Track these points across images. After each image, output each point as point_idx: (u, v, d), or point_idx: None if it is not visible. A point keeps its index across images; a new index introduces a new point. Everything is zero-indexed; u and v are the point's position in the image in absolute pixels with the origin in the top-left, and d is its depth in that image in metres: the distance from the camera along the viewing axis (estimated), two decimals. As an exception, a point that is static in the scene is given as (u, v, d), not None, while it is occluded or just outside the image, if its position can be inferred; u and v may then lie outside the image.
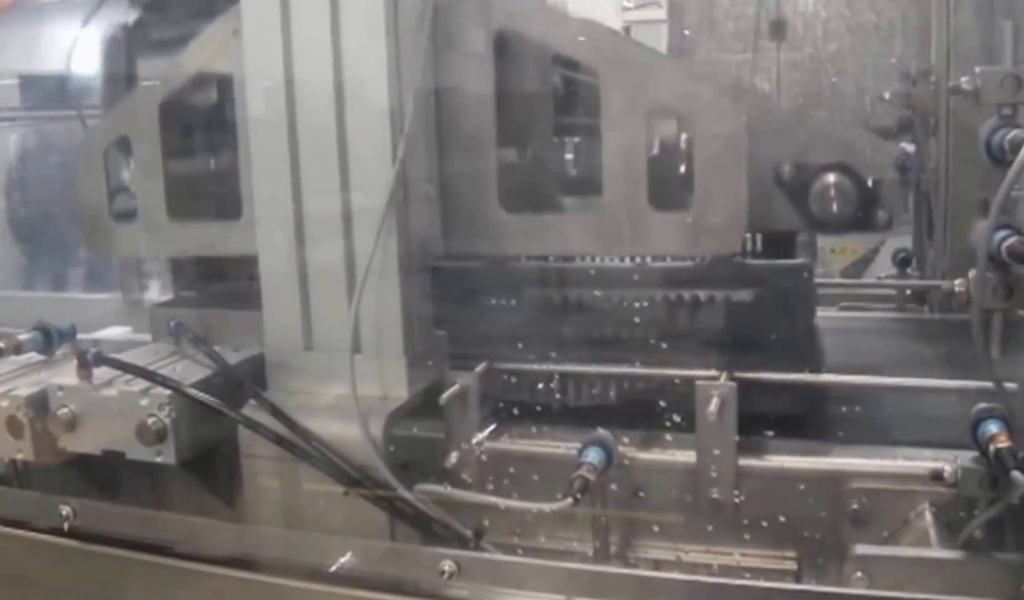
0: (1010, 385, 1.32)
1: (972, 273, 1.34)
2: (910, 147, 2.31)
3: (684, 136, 1.73)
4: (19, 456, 1.64)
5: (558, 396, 1.68)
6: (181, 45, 1.81)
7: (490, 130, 1.65)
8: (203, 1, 1.83)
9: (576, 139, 2.24)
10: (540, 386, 1.69)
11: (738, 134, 1.51)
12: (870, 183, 1.56)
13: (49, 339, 1.87)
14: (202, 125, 1.92)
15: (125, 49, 1.97)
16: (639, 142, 1.56)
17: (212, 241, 1.81)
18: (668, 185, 1.69)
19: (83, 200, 1.92)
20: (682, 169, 1.72)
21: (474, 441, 1.63)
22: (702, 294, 1.58)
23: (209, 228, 1.82)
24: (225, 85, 1.78)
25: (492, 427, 1.67)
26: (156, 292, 2.18)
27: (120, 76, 1.96)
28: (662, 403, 1.61)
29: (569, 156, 2.33)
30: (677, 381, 1.58)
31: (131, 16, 1.99)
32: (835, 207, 1.57)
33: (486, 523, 1.52)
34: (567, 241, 1.66)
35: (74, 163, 1.95)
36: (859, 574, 1.31)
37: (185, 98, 1.84)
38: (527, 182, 1.95)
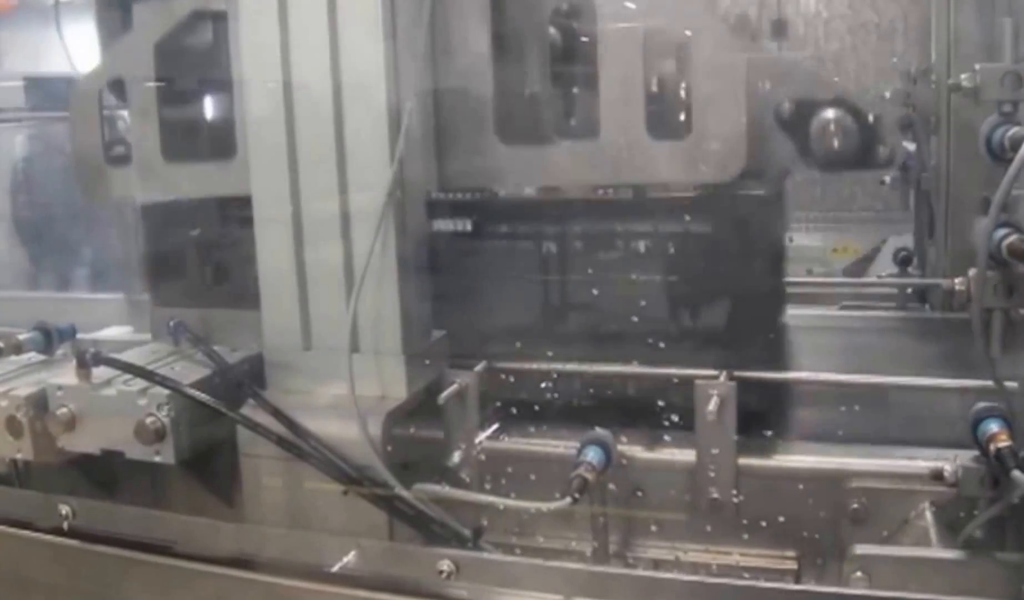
0: (1011, 384, 1.31)
1: (972, 271, 1.33)
2: (911, 146, 2.31)
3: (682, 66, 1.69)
4: (18, 456, 1.64)
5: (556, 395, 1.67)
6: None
7: (486, 60, 1.62)
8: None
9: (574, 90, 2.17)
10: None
11: (736, 59, 1.49)
12: (870, 118, 1.53)
13: (49, 339, 1.87)
14: (197, 65, 1.89)
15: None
16: (636, 68, 1.53)
17: (206, 182, 1.79)
18: (666, 115, 1.65)
19: (77, 144, 1.90)
20: (681, 96, 1.67)
21: (476, 440, 1.63)
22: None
23: (203, 169, 1.80)
24: (220, 24, 1.75)
25: (495, 426, 1.67)
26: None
27: (114, 17, 1.94)
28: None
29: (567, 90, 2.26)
30: (676, 380, 1.58)
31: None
32: (836, 143, 1.54)
33: (484, 523, 1.52)
34: (564, 173, 1.64)
35: (70, 108, 1.91)
36: (859, 574, 1.31)
37: (180, 38, 1.81)
38: (525, 113, 1.89)
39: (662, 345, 1.63)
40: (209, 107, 2.01)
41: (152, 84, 1.79)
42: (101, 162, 1.88)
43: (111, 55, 1.90)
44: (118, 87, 1.86)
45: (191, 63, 1.88)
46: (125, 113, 1.91)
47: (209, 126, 1.97)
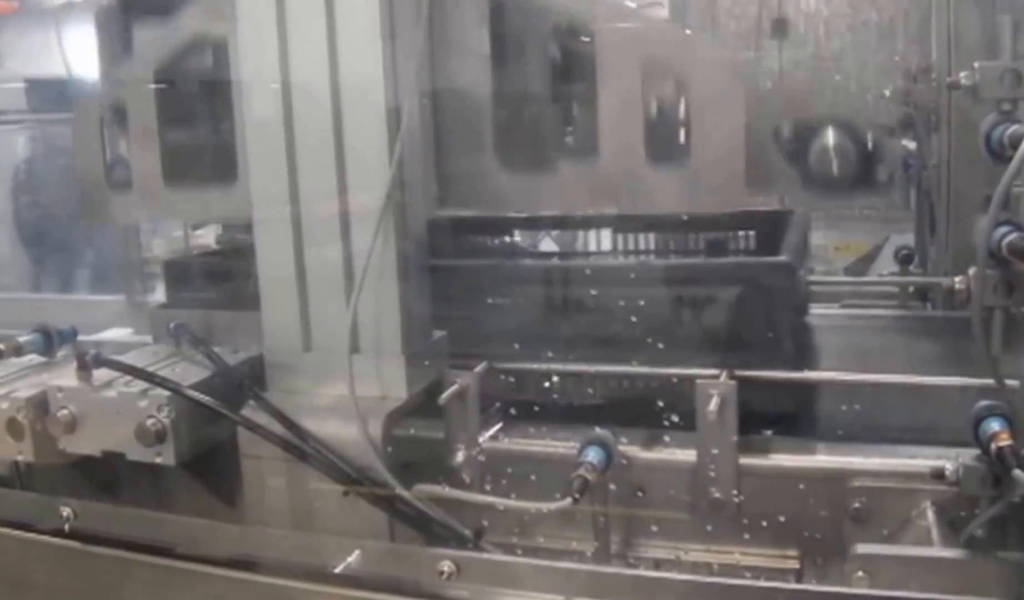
0: (1012, 382, 1.31)
1: (972, 270, 1.33)
2: (912, 144, 2.31)
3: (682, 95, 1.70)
4: (20, 458, 1.64)
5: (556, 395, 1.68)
6: (177, 9, 1.78)
7: (486, 85, 1.63)
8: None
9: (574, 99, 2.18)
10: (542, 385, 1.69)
11: (735, 89, 1.50)
12: (870, 142, 1.53)
13: (50, 341, 1.87)
14: (197, 90, 1.89)
15: (120, 14, 1.94)
16: (636, 96, 1.54)
17: (207, 206, 1.81)
18: (666, 143, 1.66)
19: (80, 169, 1.91)
20: (680, 133, 1.69)
21: (480, 440, 1.63)
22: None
23: (204, 193, 1.81)
24: (221, 49, 1.75)
25: (497, 426, 1.67)
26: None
27: (115, 41, 1.94)
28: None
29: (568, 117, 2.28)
30: (676, 380, 1.58)
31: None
32: (835, 167, 1.54)
33: (485, 523, 1.52)
34: (563, 198, 1.65)
35: (71, 132, 1.93)
36: (860, 573, 1.30)
37: (181, 63, 1.82)
38: (525, 141, 1.90)
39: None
40: (210, 132, 2.02)
41: (152, 109, 1.80)
42: (103, 187, 1.89)
43: (112, 80, 1.90)
44: (119, 112, 1.87)
45: (192, 88, 1.88)
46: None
47: (210, 151, 1.96)
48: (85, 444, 1.60)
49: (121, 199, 1.88)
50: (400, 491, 1.48)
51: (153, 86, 1.79)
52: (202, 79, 1.86)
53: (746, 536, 1.54)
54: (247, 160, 1.64)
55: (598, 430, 1.52)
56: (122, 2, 1.93)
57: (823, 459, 1.52)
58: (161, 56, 1.79)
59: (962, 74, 1.36)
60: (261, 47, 1.57)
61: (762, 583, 1.43)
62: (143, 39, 1.84)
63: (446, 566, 1.33)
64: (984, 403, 1.32)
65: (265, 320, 1.66)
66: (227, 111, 1.70)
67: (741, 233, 1.97)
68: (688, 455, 1.54)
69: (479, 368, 1.66)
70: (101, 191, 1.89)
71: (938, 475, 1.33)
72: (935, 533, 1.38)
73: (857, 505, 1.46)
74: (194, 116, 1.96)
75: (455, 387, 1.60)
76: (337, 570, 1.38)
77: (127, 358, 1.67)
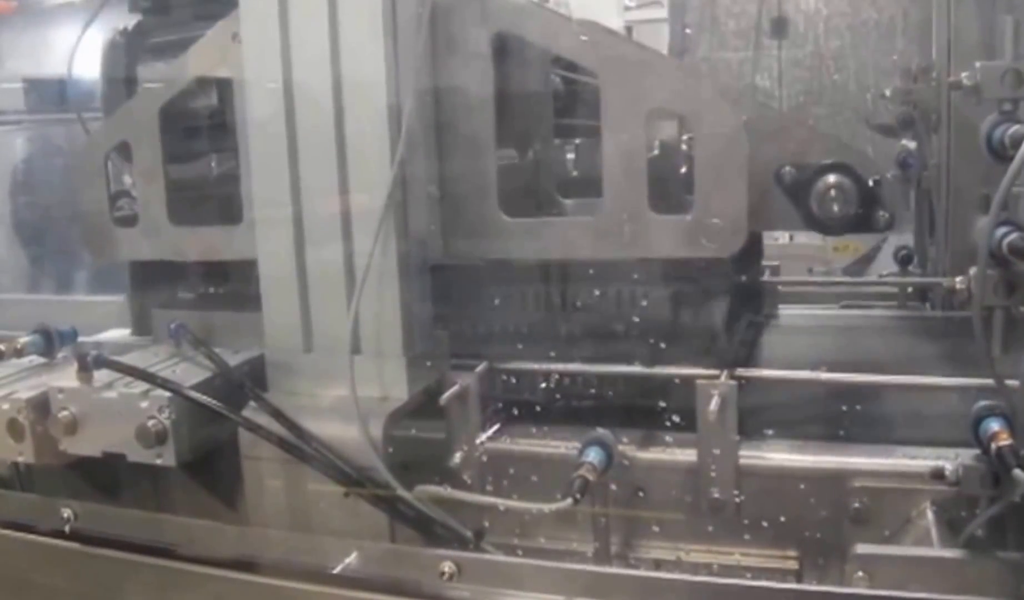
0: (1012, 382, 1.31)
1: (973, 270, 1.33)
2: (911, 144, 2.31)
3: (684, 137, 1.73)
4: (20, 459, 1.64)
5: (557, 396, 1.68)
6: (181, 49, 1.81)
7: (489, 132, 1.65)
8: (202, 5, 1.84)
9: (576, 141, 2.25)
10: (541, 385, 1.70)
11: (738, 136, 1.51)
12: (871, 183, 1.55)
13: (50, 342, 1.87)
14: (202, 130, 1.93)
15: (125, 54, 1.98)
16: (639, 144, 1.55)
17: (213, 246, 1.82)
18: (668, 187, 1.69)
19: (85, 205, 1.94)
20: (682, 171, 1.72)
21: (478, 441, 1.63)
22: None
23: (210, 233, 1.82)
24: (225, 89, 1.79)
25: (496, 427, 1.67)
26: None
27: (120, 81, 1.97)
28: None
29: (570, 157, 2.34)
30: (677, 380, 1.58)
31: (131, 21, 2.00)
32: (836, 208, 1.57)
33: (486, 524, 1.52)
34: (566, 244, 1.66)
35: (75, 168, 1.97)
36: (860, 573, 1.31)
37: (185, 103, 1.85)
38: (527, 185, 1.95)
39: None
40: (215, 171, 2.04)
41: (158, 149, 1.82)
42: (108, 223, 1.92)
43: (117, 119, 1.91)
44: (124, 150, 1.89)
45: (196, 128, 1.91)
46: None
47: (215, 190, 2.00)
48: (86, 445, 1.60)
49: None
50: (401, 492, 1.48)
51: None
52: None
53: (746, 536, 1.54)
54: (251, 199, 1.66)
55: (599, 430, 1.52)
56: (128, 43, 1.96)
57: (823, 459, 1.52)
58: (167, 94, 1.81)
59: (963, 74, 1.36)
60: (264, 47, 1.57)
61: (762, 583, 1.43)
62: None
63: (447, 567, 1.33)
64: (984, 403, 1.32)
65: (266, 321, 1.66)
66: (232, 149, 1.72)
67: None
68: (688, 455, 1.54)
69: (479, 368, 1.66)
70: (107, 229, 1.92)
71: (938, 475, 1.33)
72: (935, 533, 1.38)
73: (857, 505, 1.46)
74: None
75: (456, 388, 1.60)
76: (337, 571, 1.39)
77: (128, 359, 1.67)
